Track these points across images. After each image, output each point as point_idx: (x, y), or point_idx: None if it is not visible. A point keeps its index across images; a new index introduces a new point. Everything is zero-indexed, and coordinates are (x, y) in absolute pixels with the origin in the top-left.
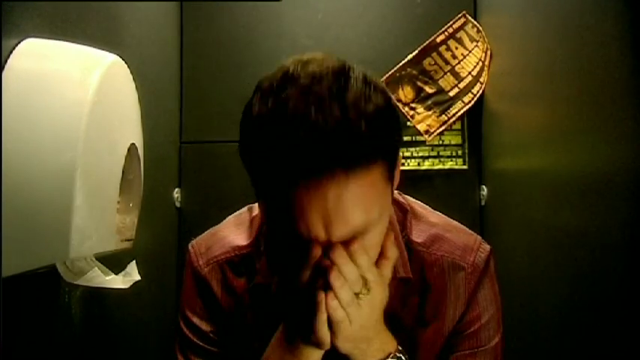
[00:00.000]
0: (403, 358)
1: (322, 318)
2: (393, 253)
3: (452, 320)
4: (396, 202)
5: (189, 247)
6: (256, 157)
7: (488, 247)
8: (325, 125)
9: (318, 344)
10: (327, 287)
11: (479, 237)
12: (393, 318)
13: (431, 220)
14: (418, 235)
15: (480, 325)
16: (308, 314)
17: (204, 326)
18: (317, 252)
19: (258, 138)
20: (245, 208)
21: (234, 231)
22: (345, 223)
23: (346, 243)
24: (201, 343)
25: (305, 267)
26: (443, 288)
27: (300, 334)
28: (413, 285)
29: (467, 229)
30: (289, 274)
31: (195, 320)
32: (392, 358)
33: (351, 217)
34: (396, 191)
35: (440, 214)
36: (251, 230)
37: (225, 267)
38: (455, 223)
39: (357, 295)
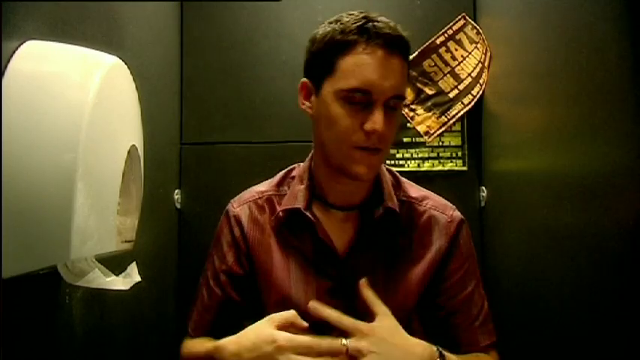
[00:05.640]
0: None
1: None
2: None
3: (434, 258)
4: (391, 173)
5: (227, 207)
6: (344, 36)
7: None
8: (388, 27)
9: None
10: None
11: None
12: (389, 253)
13: (420, 188)
14: (412, 193)
15: (463, 272)
16: None
17: (230, 257)
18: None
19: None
20: None
21: (261, 185)
22: (392, 76)
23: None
24: (225, 278)
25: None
26: (428, 228)
27: None
28: (407, 227)
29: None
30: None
31: (220, 255)
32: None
33: (395, 75)
34: None
35: None
36: (273, 182)
37: (251, 206)
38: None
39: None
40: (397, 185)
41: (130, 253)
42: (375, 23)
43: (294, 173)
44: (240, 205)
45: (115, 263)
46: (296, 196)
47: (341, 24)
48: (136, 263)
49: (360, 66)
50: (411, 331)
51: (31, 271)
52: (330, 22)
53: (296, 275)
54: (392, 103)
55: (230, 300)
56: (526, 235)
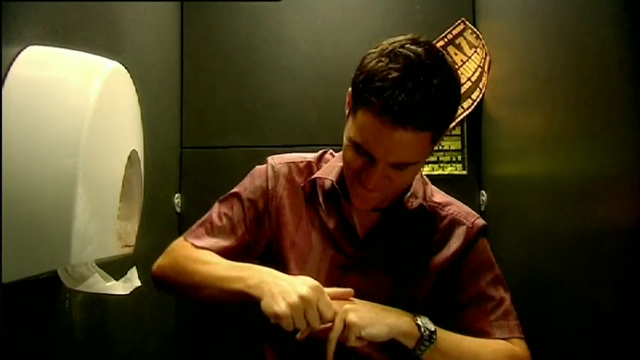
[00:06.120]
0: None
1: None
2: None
3: (448, 257)
4: (420, 175)
5: (267, 159)
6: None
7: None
8: (408, 94)
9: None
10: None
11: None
12: (414, 249)
13: (445, 195)
14: (437, 198)
15: (475, 267)
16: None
17: (261, 205)
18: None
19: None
20: None
21: (301, 153)
22: (397, 148)
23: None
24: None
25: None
26: (448, 231)
27: None
28: (428, 227)
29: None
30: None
31: (252, 198)
32: (418, 317)
33: (400, 147)
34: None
35: None
36: (314, 155)
37: (291, 166)
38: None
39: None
40: (424, 189)
41: (131, 257)
42: (398, 87)
43: (332, 152)
44: (281, 163)
45: (115, 268)
46: (332, 171)
47: (379, 67)
48: (136, 268)
49: (367, 128)
50: None
51: (31, 275)
52: (381, 55)
53: (315, 244)
54: (400, 165)
55: (247, 244)
56: (526, 239)
